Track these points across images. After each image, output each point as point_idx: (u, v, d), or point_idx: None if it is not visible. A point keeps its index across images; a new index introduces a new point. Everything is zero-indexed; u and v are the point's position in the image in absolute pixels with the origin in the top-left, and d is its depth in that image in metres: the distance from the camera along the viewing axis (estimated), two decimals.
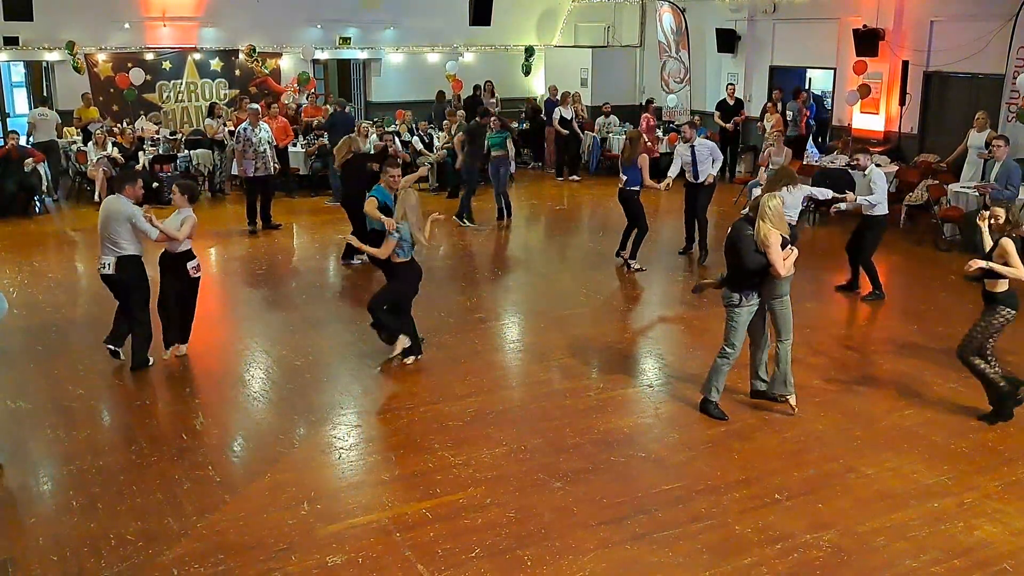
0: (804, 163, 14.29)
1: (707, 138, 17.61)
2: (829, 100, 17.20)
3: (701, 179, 11.41)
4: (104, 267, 7.72)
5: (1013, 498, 5.82)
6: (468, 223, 13.43)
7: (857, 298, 9.97)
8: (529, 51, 20.58)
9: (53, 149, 15.18)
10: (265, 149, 13.04)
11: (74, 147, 15.48)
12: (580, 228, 14.30)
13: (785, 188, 8.59)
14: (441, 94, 19.07)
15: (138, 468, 6.19)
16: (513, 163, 15.69)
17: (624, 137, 11.73)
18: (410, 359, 8.07)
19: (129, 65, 16.60)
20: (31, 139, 15.07)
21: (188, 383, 7.79)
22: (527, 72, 20.56)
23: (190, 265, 7.91)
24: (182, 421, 6.96)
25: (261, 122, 13.28)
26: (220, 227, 13.53)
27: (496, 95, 19.20)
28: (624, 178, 10.89)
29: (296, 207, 15.00)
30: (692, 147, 11.34)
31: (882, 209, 9.75)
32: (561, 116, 17.38)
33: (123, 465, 6.23)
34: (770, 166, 14.17)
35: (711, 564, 5.10)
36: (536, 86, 21.12)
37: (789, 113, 16.19)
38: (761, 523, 5.51)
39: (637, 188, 10.83)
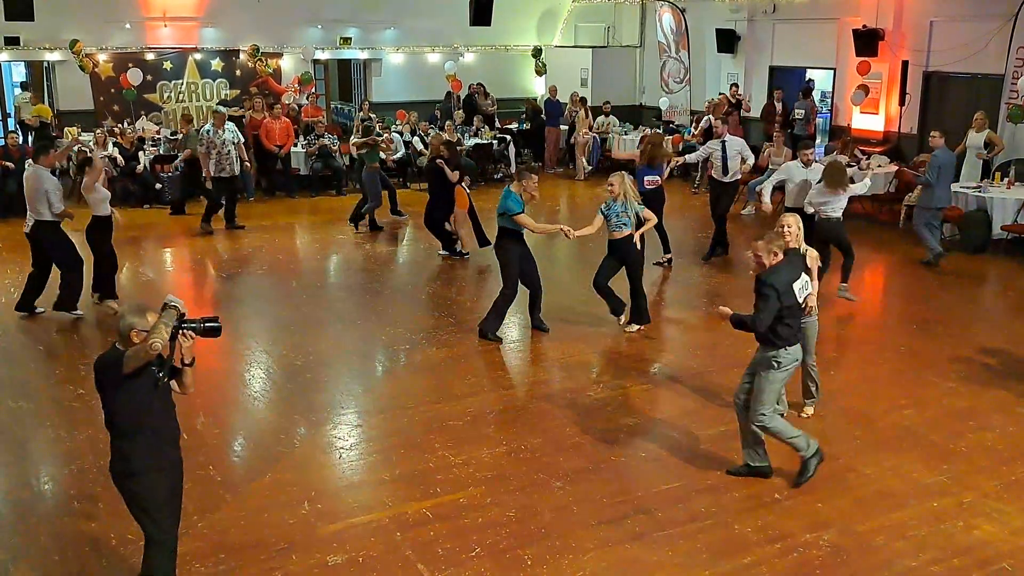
0: None
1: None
2: (829, 100, 17.21)
3: (729, 176, 11.36)
4: (26, 227, 9.25)
5: (1012, 498, 5.83)
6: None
7: (855, 298, 9.95)
8: (537, 51, 20.58)
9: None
10: (230, 150, 12.91)
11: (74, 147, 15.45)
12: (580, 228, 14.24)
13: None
14: (450, 94, 19.11)
15: None
16: (514, 163, 15.75)
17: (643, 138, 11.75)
18: (633, 327, 8.86)
19: (129, 65, 16.60)
20: (23, 139, 14.96)
21: None
22: (542, 72, 20.47)
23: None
24: (182, 421, 6.90)
25: (227, 123, 13.15)
26: (220, 227, 13.53)
27: (491, 96, 19.20)
28: (657, 179, 10.85)
29: (296, 207, 15.00)
30: (723, 142, 11.33)
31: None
32: (711, 125, 14.17)
33: None
34: (769, 166, 14.21)
35: (711, 564, 5.11)
36: (536, 86, 21.11)
37: (800, 112, 16.18)
38: (761, 523, 5.52)
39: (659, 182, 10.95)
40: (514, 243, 8.62)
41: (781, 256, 5.75)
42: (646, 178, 10.80)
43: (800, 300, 5.77)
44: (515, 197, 8.51)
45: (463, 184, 11.65)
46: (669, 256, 11.36)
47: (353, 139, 13.95)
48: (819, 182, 9.42)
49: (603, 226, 8.65)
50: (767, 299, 5.61)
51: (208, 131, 12.97)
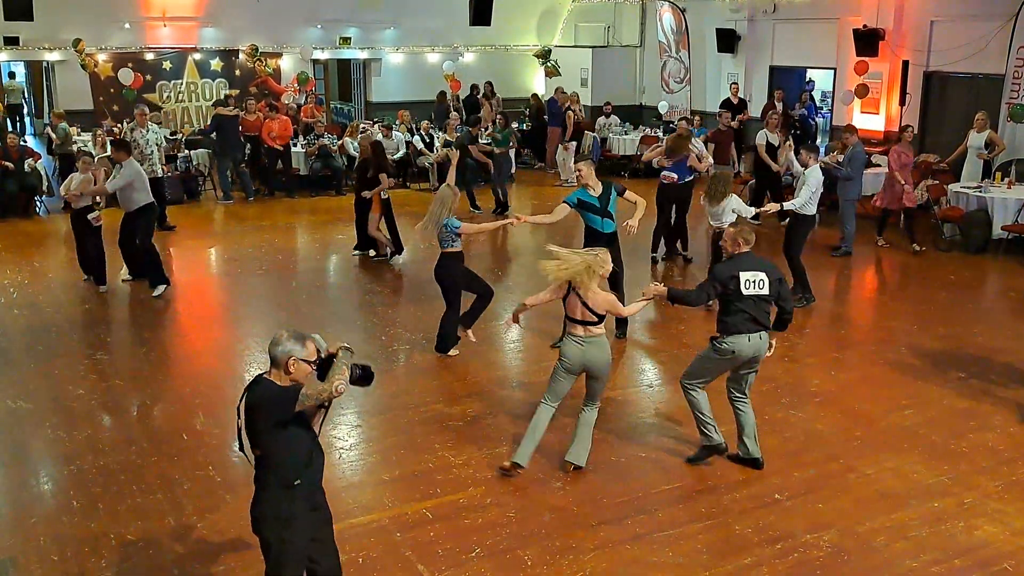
0: None
1: (707, 138, 17.67)
2: (829, 100, 17.21)
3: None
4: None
5: (1013, 498, 5.82)
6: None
7: (853, 298, 9.95)
8: (546, 52, 20.55)
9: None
10: (152, 151, 12.71)
11: (73, 147, 15.46)
12: (580, 228, 14.25)
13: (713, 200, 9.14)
14: (442, 94, 19.08)
15: (138, 468, 6.19)
16: (513, 162, 15.73)
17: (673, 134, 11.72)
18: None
19: (129, 65, 16.59)
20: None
21: (188, 383, 7.79)
22: (555, 73, 20.39)
23: (90, 216, 9.94)
24: (182, 421, 6.96)
25: (150, 123, 12.93)
26: (219, 228, 13.54)
27: (497, 95, 19.19)
28: (674, 175, 10.90)
29: (296, 207, 14.99)
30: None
31: (810, 209, 9.63)
32: (768, 142, 12.99)
33: (123, 465, 6.23)
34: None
35: (711, 564, 5.10)
36: (536, 85, 21.11)
37: (805, 112, 16.20)
38: (761, 523, 5.51)
39: (690, 179, 10.99)
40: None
41: (744, 248, 5.94)
42: (663, 173, 10.79)
43: (746, 294, 5.83)
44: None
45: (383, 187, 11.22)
46: (686, 254, 11.52)
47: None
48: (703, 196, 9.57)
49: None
50: (707, 281, 6.02)
51: (132, 129, 12.73)
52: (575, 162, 8.81)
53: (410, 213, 14.14)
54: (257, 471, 4.03)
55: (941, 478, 6.08)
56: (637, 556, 5.19)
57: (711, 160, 11.74)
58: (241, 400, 3.96)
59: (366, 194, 11.20)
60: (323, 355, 4.00)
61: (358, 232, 11.69)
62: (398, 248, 11.49)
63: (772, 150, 12.73)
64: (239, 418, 3.96)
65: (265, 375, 3.97)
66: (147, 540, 5.30)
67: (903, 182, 11.61)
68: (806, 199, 9.49)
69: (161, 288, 10.06)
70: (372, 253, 11.62)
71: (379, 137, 15.34)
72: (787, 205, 9.72)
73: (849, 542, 5.32)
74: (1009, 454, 6.42)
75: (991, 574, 5.05)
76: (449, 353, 8.33)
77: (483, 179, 15.04)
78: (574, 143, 16.99)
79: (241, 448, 4.00)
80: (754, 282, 5.86)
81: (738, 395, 6.15)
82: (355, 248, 11.78)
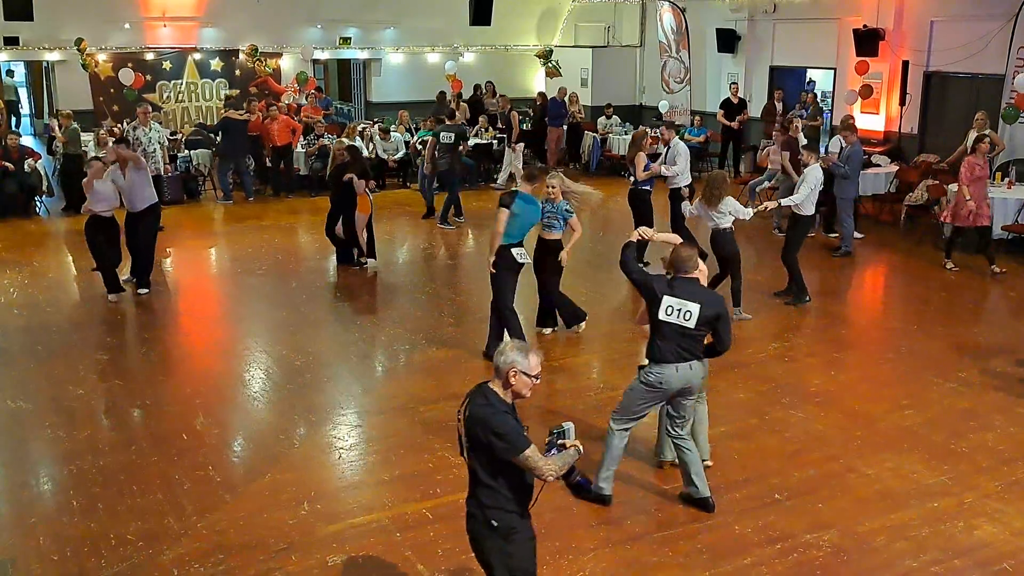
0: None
1: (708, 138, 17.66)
2: (829, 100, 17.20)
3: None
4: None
5: (1013, 498, 5.82)
6: (448, 225, 13.47)
7: (853, 298, 9.95)
8: (548, 53, 20.55)
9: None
10: (155, 149, 12.64)
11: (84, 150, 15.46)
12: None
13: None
14: (442, 95, 19.05)
15: (138, 468, 6.19)
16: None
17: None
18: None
19: (130, 65, 16.59)
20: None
21: (188, 383, 7.79)
22: (556, 74, 20.35)
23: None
24: (182, 421, 6.96)
25: (152, 122, 12.90)
26: (219, 227, 13.53)
27: (498, 95, 19.18)
28: (633, 179, 10.88)
29: (297, 207, 14.98)
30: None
31: (808, 209, 9.56)
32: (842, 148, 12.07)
33: (123, 465, 6.23)
34: (769, 166, 14.20)
35: (711, 564, 5.10)
36: (537, 85, 21.10)
37: (805, 112, 16.17)
38: (761, 523, 5.51)
39: (648, 188, 10.80)
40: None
41: (686, 274, 5.42)
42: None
43: (662, 319, 5.37)
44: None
45: (367, 190, 11.01)
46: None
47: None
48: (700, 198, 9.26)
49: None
50: (645, 274, 5.65)
51: (135, 127, 12.69)
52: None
53: (409, 213, 14.19)
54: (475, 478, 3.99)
55: (941, 478, 6.07)
56: (637, 556, 5.18)
57: (669, 170, 11.01)
58: (464, 408, 3.90)
59: (367, 193, 11.03)
60: (566, 444, 4.00)
61: (329, 237, 11.43)
62: (370, 254, 11.31)
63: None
64: (459, 423, 3.91)
65: (489, 383, 3.94)
66: (147, 540, 5.30)
67: (968, 197, 10.69)
68: (804, 196, 9.48)
69: (146, 290, 10.04)
70: (359, 257, 11.41)
71: (357, 142, 15.37)
72: (784, 201, 9.72)
73: (849, 542, 5.32)
74: (1009, 454, 6.42)
75: (991, 574, 5.05)
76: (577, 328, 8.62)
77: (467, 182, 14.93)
78: (521, 145, 17.01)
79: (463, 453, 3.96)
80: (678, 311, 5.32)
81: (677, 434, 5.61)
82: (339, 262, 11.41)
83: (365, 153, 16.14)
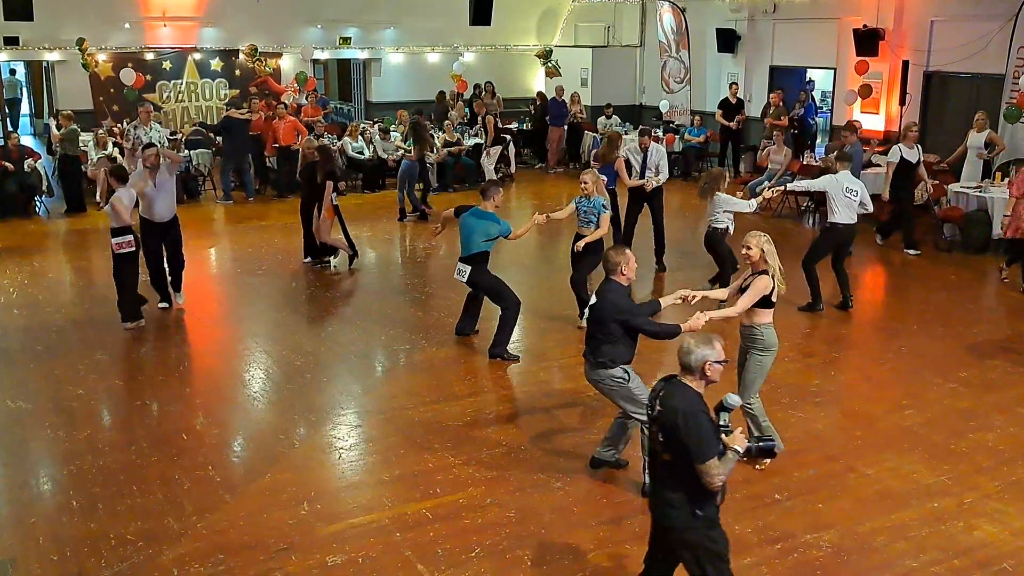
0: (803, 163, 14.31)
1: (707, 138, 17.66)
2: (829, 100, 17.20)
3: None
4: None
5: (1013, 498, 5.82)
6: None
7: (854, 298, 9.92)
8: (548, 53, 20.54)
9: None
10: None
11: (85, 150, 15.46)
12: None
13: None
14: (442, 94, 19.06)
15: (138, 468, 6.19)
16: (514, 163, 15.69)
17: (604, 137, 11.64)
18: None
19: (130, 65, 16.58)
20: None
21: (188, 383, 7.79)
22: (556, 73, 20.31)
23: (115, 241, 8.82)
24: (182, 421, 6.96)
25: (153, 122, 12.82)
26: (219, 227, 13.52)
27: (498, 95, 19.19)
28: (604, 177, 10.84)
29: (296, 207, 14.93)
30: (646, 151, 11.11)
31: (840, 217, 9.20)
32: (903, 158, 11.63)
33: (123, 465, 6.23)
34: (770, 166, 14.21)
35: None
36: (536, 85, 21.10)
37: (803, 112, 16.19)
38: (761, 523, 5.51)
39: (612, 187, 10.80)
40: (486, 262, 8.29)
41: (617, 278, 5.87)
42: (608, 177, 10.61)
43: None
44: (495, 216, 8.17)
45: (333, 193, 10.99)
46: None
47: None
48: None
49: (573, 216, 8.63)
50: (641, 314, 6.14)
51: (136, 126, 12.61)
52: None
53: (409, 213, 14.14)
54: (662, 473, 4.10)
55: (941, 478, 6.08)
56: (637, 556, 5.17)
57: (658, 180, 10.89)
58: (657, 399, 4.01)
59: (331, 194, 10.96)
60: (729, 431, 4.03)
61: (305, 240, 11.43)
62: (354, 251, 11.33)
63: (909, 168, 11.56)
64: (651, 412, 4.03)
65: (679, 377, 4.03)
66: (147, 540, 5.30)
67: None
68: (809, 184, 9.60)
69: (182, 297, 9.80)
70: (329, 259, 11.42)
71: (334, 140, 15.36)
72: (791, 185, 9.68)
73: (849, 542, 5.32)
74: (1009, 454, 6.43)
75: (991, 574, 5.05)
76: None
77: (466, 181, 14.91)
78: (498, 147, 17.01)
79: (656, 449, 4.06)
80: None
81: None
82: (306, 257, 11.45)
83: (366, 154, 16.21)
